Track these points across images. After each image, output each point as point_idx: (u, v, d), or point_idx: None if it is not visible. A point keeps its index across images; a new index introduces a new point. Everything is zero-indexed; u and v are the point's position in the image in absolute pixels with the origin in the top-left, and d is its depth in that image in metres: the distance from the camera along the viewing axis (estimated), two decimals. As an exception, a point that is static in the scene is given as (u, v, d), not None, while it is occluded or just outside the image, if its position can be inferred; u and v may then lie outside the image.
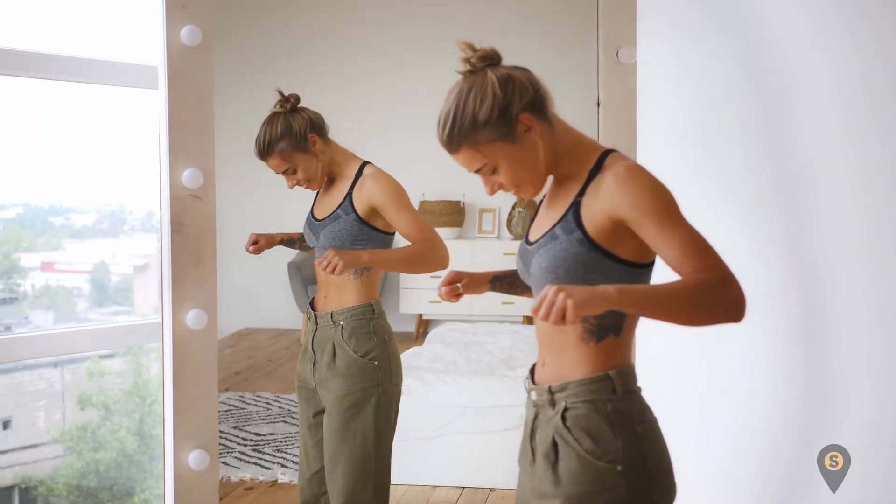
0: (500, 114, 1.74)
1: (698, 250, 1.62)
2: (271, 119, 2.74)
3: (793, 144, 2.29)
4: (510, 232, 8.14)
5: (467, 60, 1.76)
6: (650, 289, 1.58)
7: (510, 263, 7.02)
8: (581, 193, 1.75)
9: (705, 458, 2.54)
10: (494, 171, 1.80)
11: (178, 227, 2.34)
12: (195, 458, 2.37)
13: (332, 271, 2.53)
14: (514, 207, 8.05)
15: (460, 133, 1.76)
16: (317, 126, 2.75)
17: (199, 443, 2.39)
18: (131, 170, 3.75)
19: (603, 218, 1.71)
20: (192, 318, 2.38)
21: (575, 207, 1.75)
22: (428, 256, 2.63)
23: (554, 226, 1.77)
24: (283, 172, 2.77)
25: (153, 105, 2.59)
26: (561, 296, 1.50)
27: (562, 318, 1.50)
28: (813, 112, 2.24)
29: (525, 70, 1.79)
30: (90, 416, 3.82)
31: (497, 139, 1.76)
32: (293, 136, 2.71)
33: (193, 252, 2.37)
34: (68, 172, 3.77)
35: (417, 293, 8.04)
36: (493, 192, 1.82)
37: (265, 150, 2.74)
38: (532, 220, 1.90)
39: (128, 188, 3.99)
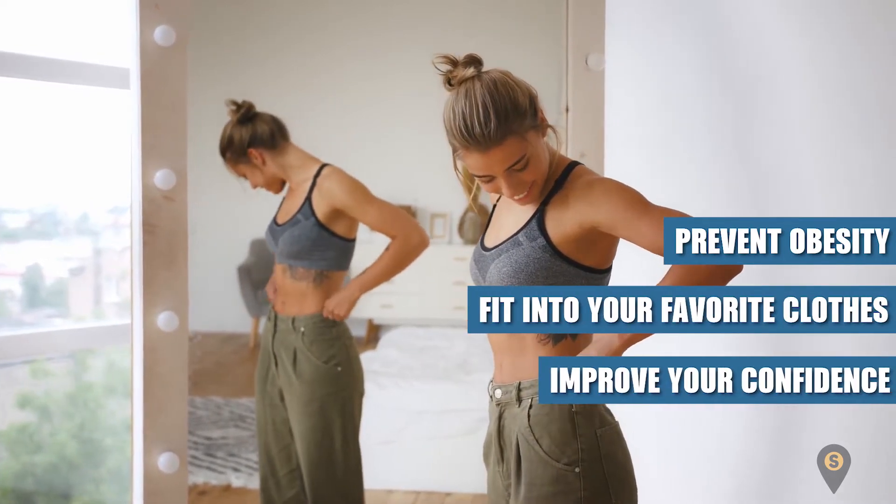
0: (531, 101, 1.75)
1: None
2: (224, 128, 2.77)
3: (760, 148, 2.33)
4: (462, 237, 8.13)
5: (454, 72, 1.74)
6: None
7: (462, 268, 7.02)
8: (546, 202, 1.78)
9: (676, 466, 2.56)
10: (526, 165, 1.73)
11: (149, 228, 2.33)
12: (165, 461, 2.36)
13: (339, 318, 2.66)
14: (465, 212, 8.06)
15: (507, 121, 1.68)
16: (261, 139, 2.73)
17: (169, 446, 2.38)
18: (66, 171, 3.69)
19: (573, 226, 1.74)
20: (164, 320, 2.37)
21: (539, 215, 1.77)
22: (405, 252, 2.65)
23: (517, 233, 1.79)
24: (242, 176, 2.81)
25: (100, 104, 2.55)
26: None
27: None
28: (779, 115, 2.29)
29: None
30: (28, 418, 3.75)
31: (531, 128, 1.74)
32: (234, 149, 2.73)
33: (165, 253, 2.36)
34: (1, 172, 3.69)
35: (367, 297, 7.97)
36: (519, 192, 1.74)
37: (221, 155, 2.79)
38: (486, 226, 1.90)
39: (62, 189, 3.92)
